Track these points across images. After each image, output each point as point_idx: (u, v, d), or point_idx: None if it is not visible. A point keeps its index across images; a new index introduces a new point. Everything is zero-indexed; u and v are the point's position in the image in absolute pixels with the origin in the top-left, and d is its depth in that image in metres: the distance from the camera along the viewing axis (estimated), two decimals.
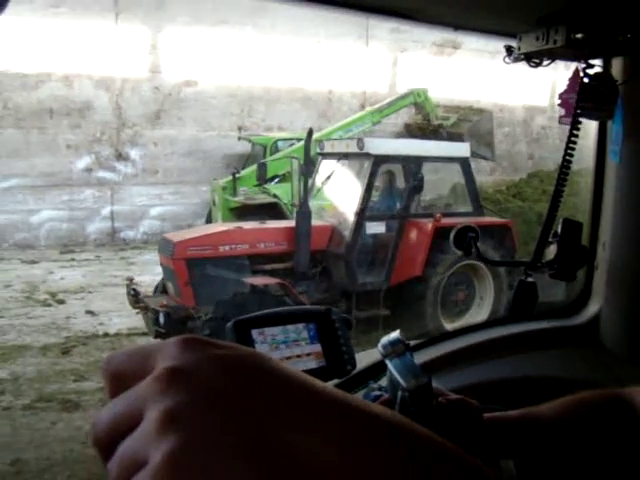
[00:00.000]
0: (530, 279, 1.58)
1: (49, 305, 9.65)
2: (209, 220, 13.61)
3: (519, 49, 1.53)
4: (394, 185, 8.98)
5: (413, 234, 8.44)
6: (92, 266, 12.67)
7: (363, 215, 8.31)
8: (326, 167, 9.06)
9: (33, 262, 12.71)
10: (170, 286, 7.80)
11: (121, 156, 15.11)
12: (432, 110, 14.47)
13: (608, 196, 1.66)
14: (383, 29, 15.71)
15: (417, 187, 8.38)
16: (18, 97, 14.21)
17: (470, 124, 13.62)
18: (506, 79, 16.02)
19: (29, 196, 14.42)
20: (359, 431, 0.42)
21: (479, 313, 8.72)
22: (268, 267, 8.01)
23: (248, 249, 7.90)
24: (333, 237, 8.45)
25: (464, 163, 8.94)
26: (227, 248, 7.76)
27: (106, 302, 9.71)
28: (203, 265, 7.55)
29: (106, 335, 8.26)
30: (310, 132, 8.25)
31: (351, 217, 8.36)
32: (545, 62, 1.57)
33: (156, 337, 7.35)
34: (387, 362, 1.12)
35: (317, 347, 1.34)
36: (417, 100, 14.39)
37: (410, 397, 1.06)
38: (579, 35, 1.40)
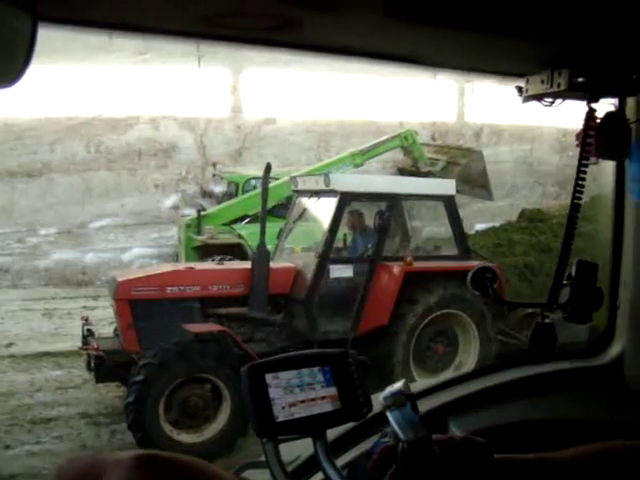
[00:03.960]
0: (547, 320, 1.56)
1: None
2: (177, 259, 13.34)
3: (527, 91, 1.54)
4: (364, 225, 8.20)
5: (382, 279, 7.64)
6: None
7: (326, 257, 7.52)
8: (300, 205, 8.40)
9: None
10: (118, 328, 7.29)
11: (206, 193, 15.55)
12: (420, 156, 13.45)
13: (628, 235, 1.62)
14: None
15: (383, 227, 7.60)
16: (109, 140, 14.93)
17: (460, 167, 12.58)
18: (567, 104, 15.60)
19: (120, 235, 15.00)
20: None
21: (463, 367, 7.84)
22: (223, 311, 7.31)
23: (199, 291, 7.20)
24: (296, 280, 7.67)
25: (448, 201, 8.04)
26: (175, 289, 7.09)
27: None
28: (148, 307, 6.91)
29: None
30: (268, 168, 7.62)
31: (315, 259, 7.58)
32: (557, 102, 1.57)
33: (97, 381, 7.05)
34: (387, 414, 1.13)
35: (333, 390, 1.31)
36: (404, 143, 13.37)
37: (409, 449, 1.07)
38: (580, 79, 1.40)
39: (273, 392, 1.26)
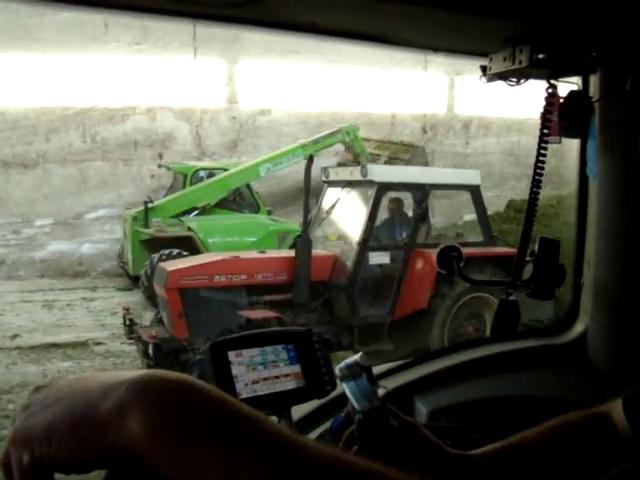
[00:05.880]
0: (512, 298, 1.57)
1: None
2: (121, 252, 13.16)
3: (490, 69, 1.54)
4: (400, 214, 8.61)
5: (418, 265, 8.01)
6: None
7: (366, 245, 7.93)
8: (331, 195, 8.73)
9: (127, 289, 12.97)
10: (164, 316, 7.56)
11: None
12: (362, 151, 13.20)
13: (592, 215, 1.64)
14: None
15: (421, 216, 8.03)
16: (105, 131, 14.90)
17: (402, 164, 12.28)
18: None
19: (116, 225, 14.93)
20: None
21: None
22: (267, 298, 7.66)
23: (245, 279, 7.56)
24: (335, 268, 8.07)
25: (474, 191, 8.51)
26: (223, 278, 7.44)
27: None
28: (197, 295, 7.26)
29: None
30: (311, 158, 7.88)
31: (354, 247, 8.00)
32: (522, 81, 1.58)
33: (148, 368, 7.26)
34: (343, 385, 1.14)
35: (296, 368, 1.31)
36: (345, 139, 13.19)
37: (364, 419, 1.08)
38: (541, 55, 1.41)
39: (236, 369, 1.26)
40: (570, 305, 1.73)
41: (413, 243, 8.09)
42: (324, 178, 8.82)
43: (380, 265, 8.11)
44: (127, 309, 8.06)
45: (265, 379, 1.28)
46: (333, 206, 8.60)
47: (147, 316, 9.88)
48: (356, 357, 1.18)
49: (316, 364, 1.35)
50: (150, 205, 12.02)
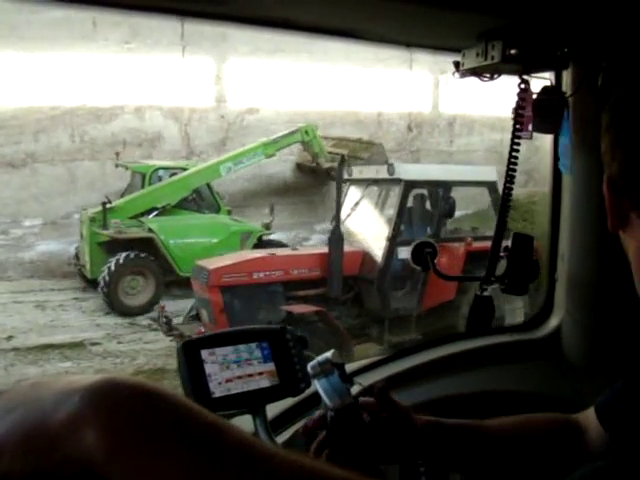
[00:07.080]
0: (486, 293, 1.58)
1: (155, 330, 9.64)
2: (77, 255, 13.00)
3: (463, 65, 1.55)
4: (425, 209, 8.96)
5: (444, 258, 8.08)
6: None
7: (395, 240, 8.27)
8: (354, 193, 9.00)
9: None
10: (204, 313, 7.80)
11: None
12: (321, 150, 13.37)
13: (565, 209, 1.64)
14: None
15: (448, 211, 8.35)
16: (93, 130, 14.81)
17: (361, 162, 11.90)
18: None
19: None
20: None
21: None
22: (301, 293, 8.02)
23: (282, 275, 7.92)
24: (365, 263, 8.44)
25: (491, 187, 8.91)
26: (261, 275, 7.80)
27: None
28: (237, 292, 7.59)
29: None
30: (342, 159, 8.32)
31: (382, 242, 8.29)
32: (495, 76, 1.58)
33: None
34: (315, 382, 1.14)
35: (270, 366, 1.31)
36: (305, 138, 13.35)
37: (336, 416, 1.08)
38: (513, 51, 1.41)
39: (209, 368, 1.25)
40: (544, 300, 1.74)
41: (438, 237, 8.37)
42: (347, 176, 9.05)
43: (407, 259, 8.36)
44: (163, 307, 8.37)
45: (239, 377, 1.28)
46: (357, 203, 8.95)
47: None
48: (328, 354, 1.18)
49: (290, 362, 1.35)
50: (108, 206, 11.79)
